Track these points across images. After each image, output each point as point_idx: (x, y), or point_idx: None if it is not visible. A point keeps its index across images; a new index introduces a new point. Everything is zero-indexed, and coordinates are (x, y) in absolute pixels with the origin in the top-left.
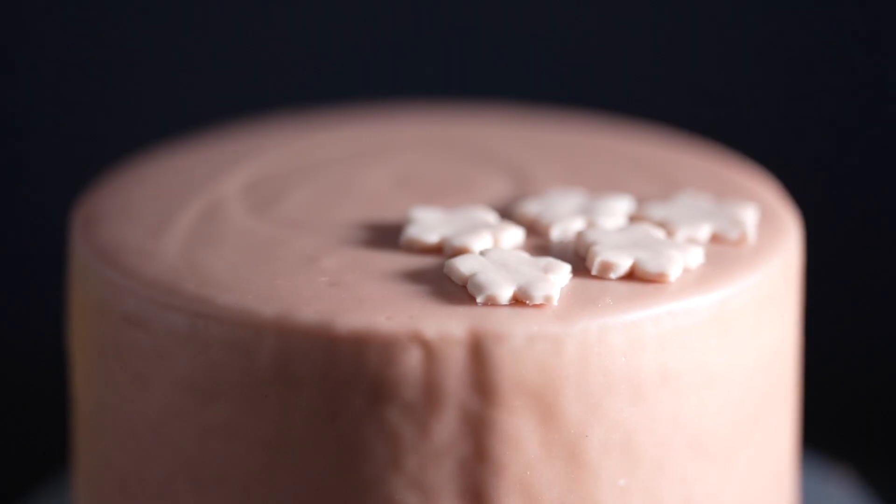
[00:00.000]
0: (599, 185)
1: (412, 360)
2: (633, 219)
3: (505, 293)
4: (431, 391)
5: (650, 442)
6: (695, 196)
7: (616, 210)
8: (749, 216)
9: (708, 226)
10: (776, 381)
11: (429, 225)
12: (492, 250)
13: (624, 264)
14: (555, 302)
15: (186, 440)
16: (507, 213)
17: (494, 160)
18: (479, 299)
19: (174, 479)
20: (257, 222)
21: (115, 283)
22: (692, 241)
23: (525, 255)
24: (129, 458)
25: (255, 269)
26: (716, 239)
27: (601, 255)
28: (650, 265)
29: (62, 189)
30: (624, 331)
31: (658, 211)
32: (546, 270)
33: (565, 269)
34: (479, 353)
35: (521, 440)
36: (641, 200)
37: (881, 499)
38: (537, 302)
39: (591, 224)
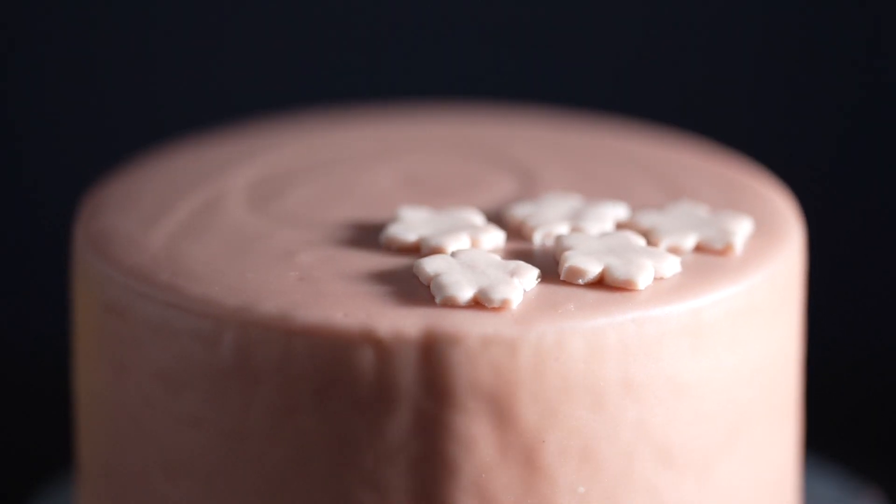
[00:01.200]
0: (605, 188)
1: (365, 357)
2: (621, 226)
3: (464, 294)
4: (384, 389)
5: (612, 450)
6: (691, 205)
7: (606, 216)
8: (740, 227)
9: (694, 235)
10: (763, 393)
11: (410, 224)
12: (463, 251)
13: (593, 270)
14: (513, 305)
15: (160, 429)
16: (500, 215)
17: (503, 161)
18: (437, 299)
19: (149, 468)
20: (252, 217)
21: (99, 272)
22: (675, 250)
23: (496, 258)
24: (112, 447)
25: (232, 262)
26: (701, 249)
27: (570, 261)
28: (619, 272)
29: (66, 190)
30: (583, 337)
31: (648, 219)
32: (513, 274)
33: (533, 274)
34: (431, 354)
35: (475, 443)
36: (639, 207)
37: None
38: (495, 305)
39: (575, 229)
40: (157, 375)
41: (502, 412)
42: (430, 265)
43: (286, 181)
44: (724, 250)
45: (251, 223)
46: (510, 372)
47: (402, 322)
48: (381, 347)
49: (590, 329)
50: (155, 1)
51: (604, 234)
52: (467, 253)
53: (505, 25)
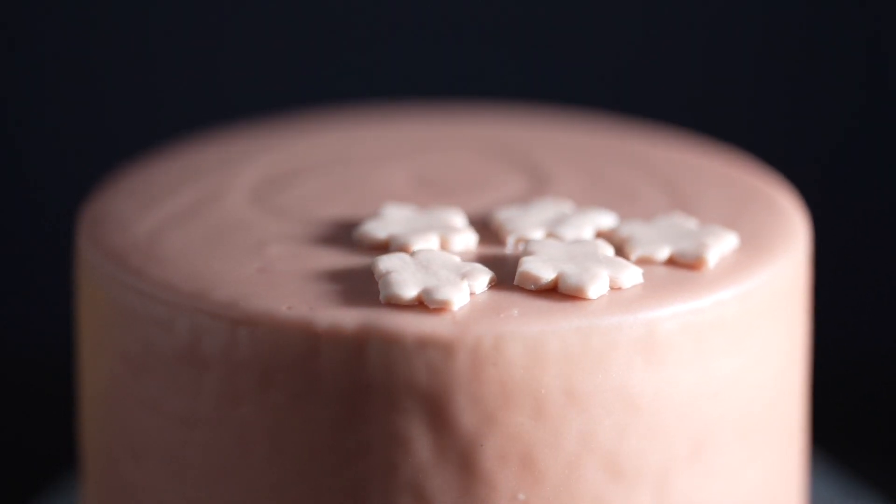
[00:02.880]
0: (611, 191)
1: (302, 351)
2: (601, 235)
3: (408, 293)
4: (318, 383)
5: (555, 459)
6: (681, 218)
7: (586, 224)
8: (719, 242)
9: (668, 248)
10: (737, 409)
11: (386, 222)
12: (423, 251)
13: (545, 277)
14: (454, 307)
15: (124, 411)
16: (487, 218)
17: (516, 162)
18: (381, 297)
19: (117, 450)
20: (247, 210)
21: (89, 257)
22: (645, 261)
23: (454, 260)
24: (91, 430)
25: (203, 250)
26: (674, 262)
27: (523, 266)
28: (571, 280)
29: (69, 191)
30: (523, 343)
31: (629, 229)
32: (464, 276)
33: (484, 277)
34: (366, 351)
35: (411, 442)
36: (633, 215)
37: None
38: (436, 305)
39: (550, 236)
40: (123, 359)
41: (439, 414)
42: (384, 263)
43: (295, 177)
44: (695, 264)
45: (243, 216)
46: (446, 374)
47: (340, 317)
48: (317, 341)
49: (530, 335)
50: (161, 1)
51: (572, 242)
52: (426, 253)
53: (520, 25)
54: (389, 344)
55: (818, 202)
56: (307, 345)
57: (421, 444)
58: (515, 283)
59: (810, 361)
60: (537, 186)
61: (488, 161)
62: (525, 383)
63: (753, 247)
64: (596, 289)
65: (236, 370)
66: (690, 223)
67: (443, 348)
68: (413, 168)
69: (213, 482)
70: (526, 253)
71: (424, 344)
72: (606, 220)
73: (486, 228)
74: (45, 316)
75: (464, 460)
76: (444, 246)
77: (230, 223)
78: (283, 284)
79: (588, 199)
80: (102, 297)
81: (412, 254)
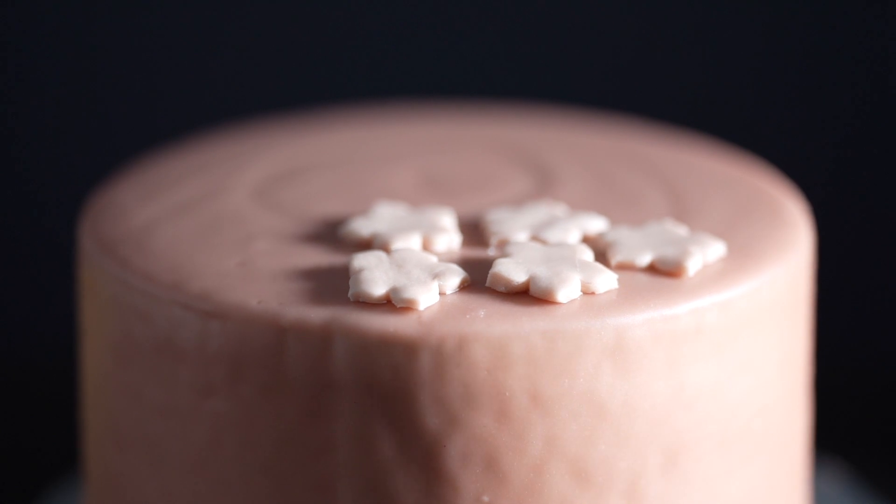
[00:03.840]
0: (616, 193)
1: (268, 344)
2: (586, 239)
3: (377, 291)
4: (283, 378)
5: (520, 463)
6: (672, 224)
7: (573, 229)
8: (704, 251)
9: (650, 254)
10: (715, 418)
11: (373, 221)
12: (401, 250)
13: (516, 279)
14: (420, 306)
15: (110, 401)
16: (477, 219)
17: (525, 162)
18: (349, 294)
19: (105, 441)
20: (246, 205)
21: (83, 245)
22: (626, 266)
23: (430, 260)
24: (86, 421)
25: (192, 243)
26: (655, 269)
27: (495, 268)
28: (541, 283)
29: (72, 192)
30: (487, 345)
31: (616, 234)
32: (436, 276)
33: (456, 278)
34: (330, 347)
35: (374, 440)
36: (628, 218)
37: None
38: (402, 304)
39: (534, 239)
40: (110, 348)
41: (402, 413)
42: (359, 260)
43: (301, 175)
44: (676, 271)
45: (240, 211)
46: (409, 373)
47: (307, 313)
48: (284, 336)
49: (494, 337)
50: (168, 2)
51: (552, 246)
52: (403, 252)
53: (529, 25)
54: (353, 341)
55: (827, 208)
56: (275, 339)
57: (385, 442)
58: (487, 284)
59: (812, 370)
60: (543, 187)
61: (496, 161)
62: (489, 385)
63: (745, 255)
64: (566, 293)
65: (209, 362)
66: (681, 230)
67: (406, 347)
68: (421, 167)
69: (187, 473)
70: (503, 255)
71: (388, 342)
72: (596, 224)
73: (478, 230)
74: (47, 317)
75: (427, 460)
76: (426, 246)
77: (226, 218)
78: (258, 279)
79: (590, 201)
80: (95, 286)
81: (390, 253)
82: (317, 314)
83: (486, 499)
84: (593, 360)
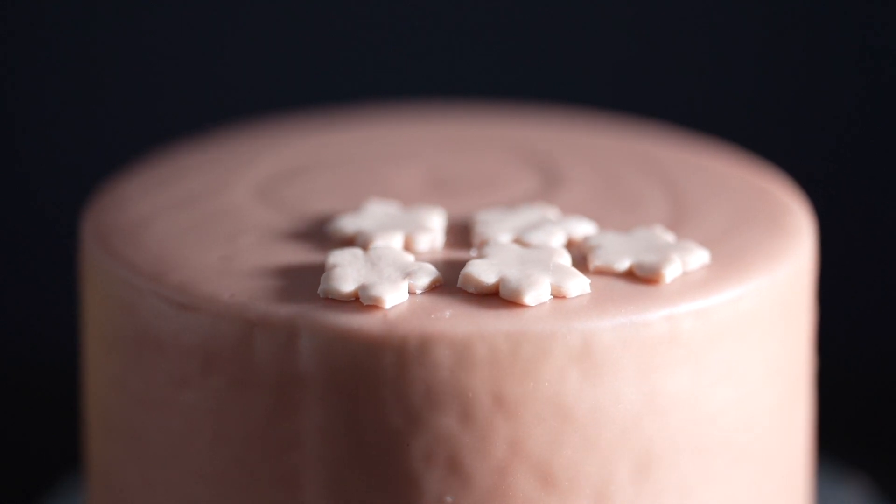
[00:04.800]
0: (619, 196)
1: (237, 338)
2: (571, 243)
3: (346, 288)
4: (251, 371)
5: (484, 465)
6: (661, 231)
7: (557, 232)
8: (686, 257)
9: (628, 259)
10: (690, 428)
11: (359, 218)
12: (379, 248)
13: (487, 280)
14: (386, 305)
15: (100, 391)
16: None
17: (532, 163)
18: (318, 290)
19: (97, 431)
20: (245, 201)
21: (83, 238)
22: (603, 271)
23: (406, 259)
24: (85, 410)
25: (183, 237)
26: (633, 275)
27: (466, 269)
28: (509, 285)
29: (74, 193)
30: (450, 346)
31: (601, 238)
32: (407, 276)
33: (427, 278)
34: (296, 342)
35: (338, 436)
36: (627, 221)
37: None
38: (368, 302)
39: (516, 241)
40: (99, 339)
41: (366, 410)
42: (335, 257)
43: (307, 173)
44: (653, 278)
45: (239, 207)
46: (373, 372)
47: (275, 308)
48: (251, 330)
49: (458, 338)
50: (177, 2)
51: (531, 248)
52: (380, 250)
53: (538, 25)
54: (319, 337)
55: (833, 213)
56: (243, 333)
57: (348, 439)
58: (458, 285)
59: (812, 378)
60: (548, 189)
61: (506, 161)
62: (451, 386)
63: (732, 264)
64: (534, 295)
65: (183, 354)
66: (668, 236)
67: (369, 345)
68: (430, 167)
69: (164, 464)
70: (479, 256)
71: (352, 340)
72: (584, 228)
73: (466, 230)
74: (51, 315)
75: (391, 458)
76: (408, 245)
77: (222, 213)
78: (236, 273)
79: (592, 203)
80: (90, 276)
81: (367, 250)
82: (284, 310)
83: (449, 499)
84: (559, 364)
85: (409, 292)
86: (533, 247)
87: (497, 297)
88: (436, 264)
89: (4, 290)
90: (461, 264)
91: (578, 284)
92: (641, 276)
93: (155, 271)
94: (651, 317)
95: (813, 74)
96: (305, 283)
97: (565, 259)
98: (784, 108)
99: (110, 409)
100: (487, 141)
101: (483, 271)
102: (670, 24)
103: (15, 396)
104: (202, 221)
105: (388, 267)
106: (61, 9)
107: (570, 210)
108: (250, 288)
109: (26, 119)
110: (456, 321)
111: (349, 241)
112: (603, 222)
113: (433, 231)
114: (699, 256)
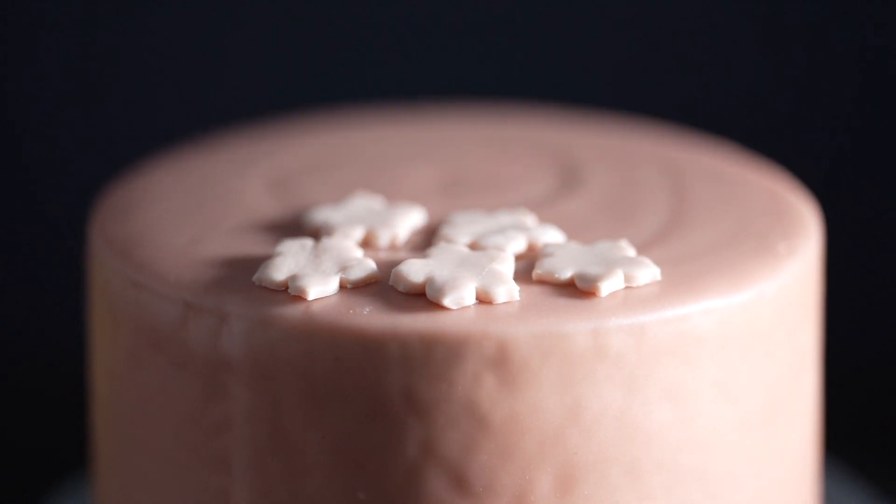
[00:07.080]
0: (620, 199)
1: (176, 319)
2: (531, 249)
3: (278, 277)
4: (186, 353)
5: (395, 464)
6: (623, 244)
7: (518, 238)
8: (634, 272)
9: (571, 270)
10: (622, 445)
11: (334, 211)
12: (327, 241)
13: (415, 280)
14: (309, 297)
15: (95, 378)
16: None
17: (545, 165)
18: (253, 278)
19: (96, 418)
20: (250, 193)
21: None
22: (544, 280)
23: (352, 254)
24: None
25: (170, 224)
26: (571, 285)
27: (399, 266)
28: (433, 285)
29: (79, 194)
30: (362, 344)
31: (555, 248)
32: (342, 269)
33: (362, 273)
34: (224, 327)
35: (259, 422)
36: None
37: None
38: (293, 293)
39: (473, 246)
40: (94, 323)
41: (275, 398)
42: (283, 246)
43: (322, 171)
44: (590, 290)
45: (243, 196)
46: (287, 360)
47: (209, 292)
48: (187, 313)
49: (371, 335)
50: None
51: (475, 252)
52: (329, 242)
53: (550, 26)
54: (241, 323)
55: (842, 218)
56: (181, 315)
57: (271, 426)
58: (389, 283)
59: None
60: (559, 192)
61: (525, 163)
62: (362, 382)
63: (688, 282)
64: (455, 298)
65: (137, 332)
66: (629, 251)
67: (286, 334)
68: (446, 167)
69: (124, 440)
70: (422, 256)
71: (271, 327)
72: (551, 236)
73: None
74: (54, 317)
75: (299, 449)
76: (368, 239)
77: (223, 200)
78: (200, 259)
79: (592, 210)
80: (94, 273)
81: (318, 242)
82: (216, 294)
83: (361, 496)
84: (473, 369)
85: (340, 286)
86: (478, 251)
87: (423, 297)
88: (388, 262)
89: (9, 291)
90: None
91: (506, 291)
92: (581, 289)
93: (124, 248)
94: (574, 329)
95: (813, 74)
96: (252, 270)
97: (507, 265)
98: (786, 109)
99: (108, 400)
100: (510, 142)
101: (414, 271)
102: (674, 25)
103: (20, 397)
104: (198, 205)
105: (329, 260)
106: (64, 11)
107: (568, 215)
108: (195, 271)
109: (31, 120)
110: (372, 318)
111: (316, 233)
112: (591, 230)
113: (395, 228)
114: (649, 272)
